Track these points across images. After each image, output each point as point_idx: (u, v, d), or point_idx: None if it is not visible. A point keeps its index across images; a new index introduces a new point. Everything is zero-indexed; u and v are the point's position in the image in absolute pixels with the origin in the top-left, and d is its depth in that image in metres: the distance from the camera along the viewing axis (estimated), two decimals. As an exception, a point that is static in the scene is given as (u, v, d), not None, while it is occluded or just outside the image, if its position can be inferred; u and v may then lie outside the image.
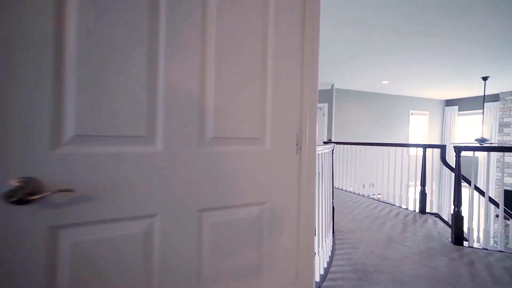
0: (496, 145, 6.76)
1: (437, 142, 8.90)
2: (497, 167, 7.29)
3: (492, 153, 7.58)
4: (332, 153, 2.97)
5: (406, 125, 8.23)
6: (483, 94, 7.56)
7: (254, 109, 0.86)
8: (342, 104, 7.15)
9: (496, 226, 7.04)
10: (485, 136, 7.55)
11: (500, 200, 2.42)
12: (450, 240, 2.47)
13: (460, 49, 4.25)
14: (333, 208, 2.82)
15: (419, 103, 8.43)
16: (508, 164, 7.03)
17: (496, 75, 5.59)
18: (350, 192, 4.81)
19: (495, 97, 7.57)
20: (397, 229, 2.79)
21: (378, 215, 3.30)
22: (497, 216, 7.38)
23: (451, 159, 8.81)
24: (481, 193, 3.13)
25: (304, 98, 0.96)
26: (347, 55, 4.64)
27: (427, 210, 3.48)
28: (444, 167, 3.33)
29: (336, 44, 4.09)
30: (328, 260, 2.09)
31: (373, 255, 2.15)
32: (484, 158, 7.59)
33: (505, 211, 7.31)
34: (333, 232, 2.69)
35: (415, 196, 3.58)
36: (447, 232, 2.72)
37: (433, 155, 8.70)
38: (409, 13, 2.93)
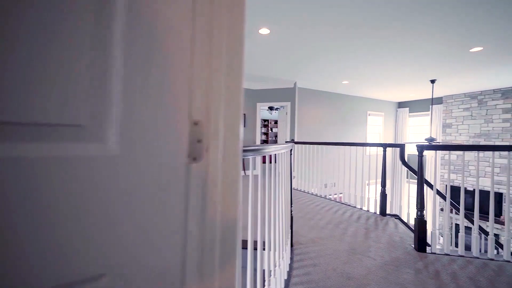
0: (441, 143, 7.19)
1: (391, 141, 9.39)
2: (441, 164, 7.91)
3: (438, 151, 8.21)
4: (291, 154, 2.63)
5: (364, 125, 8.49)
6: (431, 97, 8.20)
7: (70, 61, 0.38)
8: (304, 103, 7.02)
9: (446, 226, 7.69)
10: (433, 136, 8.12)
11: (447, 194, 2.32)
12: (413, 246, 2.29)
13: (410, 53, 4.34)
14: (292, 217, 2.48)
15: (376, 104, 8.77)
16: (451, 162, 7.65)
17: (441, 80, 5.96)
18: (312, 194, 4.59)
19: (439, 100, 8.22)
20: (360, 236, 2.56)
21: (340, 220, 3.07)
22: (442, 209, 8.04)
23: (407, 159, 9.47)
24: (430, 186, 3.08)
25: (215, 60, 0.52)
26: (309, 53, 4.44)
27: (387, 211, 3.37)
28: (403, 167, 3.23)
29: (299, 42, 3.82)
30: (284, 285, 1.71)
31: (335, 274, 1.83)
32: (432, 156, 8.20)
33: (451, 204, 7.98)
34: (291, 245, 2.34)
35: (376, 197, 3.45)
36: (409, 236, 2.57)
37: (393, 154, 9.15)
38: (368, 12, 2.75)
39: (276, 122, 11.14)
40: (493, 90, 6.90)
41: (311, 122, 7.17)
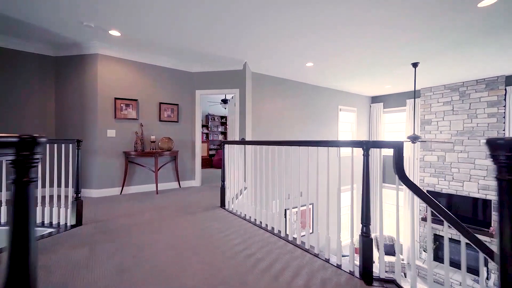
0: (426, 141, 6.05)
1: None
2: (420, 167, 6.93)
3: (416, 152, 7.24)
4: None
5: (335, 122, 7.25)
6: (409, 90, 7.20)
7: None
8: (261, 93, 5.52)
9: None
10: (411, 134, 7.09)
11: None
12: None
13: (390, 30, 3.04)
14: None
15: (348, 98, 7.59)
16: (431, 164, 6.70)
17: (422, 66, 4.85)
18: (265, 229, 3.04)
19: (417, 94, 7.27)
20: None
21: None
22: (423, 219, 7.06)
23: (375, 161, 8.36)
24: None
25: None
26: (261, 24, 2.94)
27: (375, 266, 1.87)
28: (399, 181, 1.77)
29: (244, 9, 2.28)
30: None
31: None
32: (409, 157, 7.21)
33: (433, 214, 6.99)
34: None
35: (352, 240, 1.92)
36: None
37: (372, 156, 7.97)
38: None
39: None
40: (476, 80, 5.98)
41: (271, 118, 5.69)
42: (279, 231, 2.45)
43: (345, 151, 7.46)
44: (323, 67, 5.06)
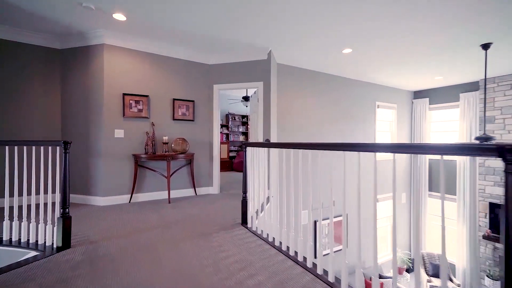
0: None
1: (406, 142, 7.21)
2: (480, 173, 5.75)
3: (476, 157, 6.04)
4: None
5: (371, 121, 6.31)
6: (463, 81, 5.94)
7: None
8: (285, 87, 4.81)
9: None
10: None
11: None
12: None
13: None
14: None
15: (386, 93, 6.60)
16: (494, 170, 5.52)
17: (489, 50, 3.82)
18: (294, 259, 2.32)
19: (473, 86, 6.09)
20: None
21: None
22: (485, 237, 5.79)
23: (424, 167, 7.16)
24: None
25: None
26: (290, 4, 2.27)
27: None
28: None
29: None
30: None
31: None
32: (465, 162, 6.04)
33: (493, 231, 5.77)
34: None
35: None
36: None
37: (410, 160, 6.92)
38: None
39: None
40: (560, 67, 4.74)
41: (298, 117, 4.96)
42: (314, 266, 1.72)
43: (381, 153, 6.47)
44: (363, 54, 4.22)
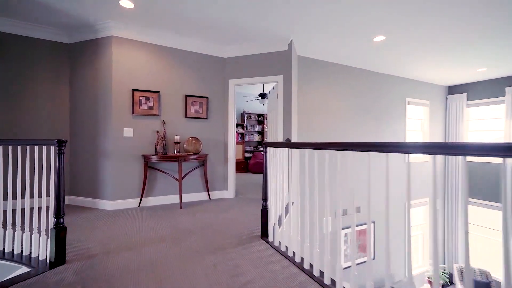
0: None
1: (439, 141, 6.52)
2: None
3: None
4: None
5: (401, 119, 5.72)
6: (510, 74, 5.17)
7: None
8: (307, 82, 4.39)
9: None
10: (510, 135, 5.22)
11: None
12: None
13: None
14: None
15: (418, 88, 5.98)
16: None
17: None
18: (321, 282, 1.91)
19: (521, 79, 5.34)
20: None
21: None
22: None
23: (457, 170, 6.40)
24: None
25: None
26: None
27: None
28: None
29: None
30: None
31: None
32: (513, 165, 5.32)
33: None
34: None
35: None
36: None
37: (445, 163, 6.15)
38: None
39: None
40: None
41: (320, 114, 4.52)
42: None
43: (413, 156, 5.85)
44: (397, 42, 3.71)
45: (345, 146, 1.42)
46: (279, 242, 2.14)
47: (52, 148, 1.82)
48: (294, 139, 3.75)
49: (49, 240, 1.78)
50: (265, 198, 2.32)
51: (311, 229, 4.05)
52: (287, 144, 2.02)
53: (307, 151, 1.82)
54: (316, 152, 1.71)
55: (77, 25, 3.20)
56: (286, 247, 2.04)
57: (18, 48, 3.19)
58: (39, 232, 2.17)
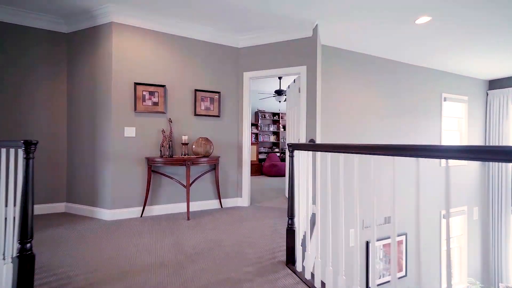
0: None
1: (479, 144, 5.78)
2: None
3: None
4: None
5: (436, 117, 5.05)
6: None
7: None
8: (331, 76, 3.85)
9: None
10: None
11: None
12: None
13: None
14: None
15: (455, 82, 5.28)
16: None
17: None
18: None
19: None
20: None
21: None
22: None
23: (501, 176, 5.46)
24: None
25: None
26: None
27: None
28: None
29: None
30: None
31: None
32: None
33: None
34: None
35: None
36: None
37: (489, 169, 5.39)
38: None
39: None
40: None
41: (345, 112, 3.97)
42: None
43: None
44: (444, 23, 3.11)
45: (397, 149, 0.92)
46: (312, 275, 1.64)
47: (20, 151, 1.41)
48: (318, 140, 3.23)
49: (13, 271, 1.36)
50: (291, 215, 1.83)
51: (338, 248, 3.51)
52: (326, 146, 1.52)
53: (329, 154, 1.32)
54: (341, 156, 1.21)
55: (75, 11, 2.84)
56: (323, 284, 1.53)
57: (11, 38, 2.87)
58: (5, 257, 1.75)
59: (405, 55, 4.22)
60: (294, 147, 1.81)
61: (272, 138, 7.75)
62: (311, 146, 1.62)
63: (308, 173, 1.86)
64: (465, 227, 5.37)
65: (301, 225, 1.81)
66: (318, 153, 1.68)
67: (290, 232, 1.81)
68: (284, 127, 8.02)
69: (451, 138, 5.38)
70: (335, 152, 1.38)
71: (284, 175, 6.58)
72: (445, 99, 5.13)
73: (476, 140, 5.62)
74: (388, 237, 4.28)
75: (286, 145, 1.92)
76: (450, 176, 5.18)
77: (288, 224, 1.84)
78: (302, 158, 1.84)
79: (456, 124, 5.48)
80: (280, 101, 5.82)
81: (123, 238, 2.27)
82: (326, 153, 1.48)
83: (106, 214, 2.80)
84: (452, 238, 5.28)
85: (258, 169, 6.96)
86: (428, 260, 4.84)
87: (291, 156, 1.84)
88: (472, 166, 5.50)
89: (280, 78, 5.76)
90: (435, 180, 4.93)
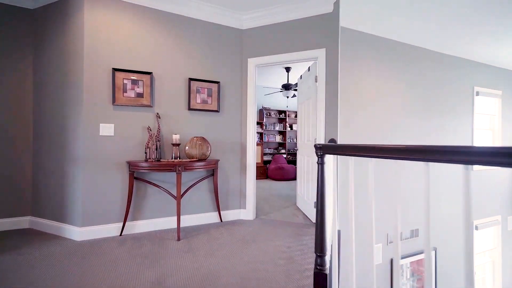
0: None
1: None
2: None
3: None
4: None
5: (467, 113, 4.42)
6: None
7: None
8: (352, 63, 3.25)
9: None
10: None
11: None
12: None
13: None
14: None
15: (488, 74, 4.64)
16: None
17: None
18: None
19: None
20: None
21: None
22: None
23: None
24: None
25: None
26: None
27: None
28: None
29: None
30: None
31: None
32: None
33: None
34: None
35: None
36: None
37: None
38: None
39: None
40: None
41: (359, 107, 3.37)
42: None
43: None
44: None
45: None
46: None
47: None
48: (338, 140, 2.63)
49: None
50: (321, 251, 1.24)
51: (365, 269, 2.90)
52: (373, 150, 0.92)
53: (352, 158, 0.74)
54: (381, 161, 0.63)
55: (38, -21, 2.28)
56: None
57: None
58: None
59: (430, 40, 3.59)
60: (324, 150, 1.22)
61: (278, 138, 7.16)
62: (355, 148, 1.03)
63: (334, 186, 1.27)
64: (499, 238, 4.73)
65: (335, 268, 1.22)
66: (352, 159, 1.10)
67: (320, 277, 1.22)
68: (291, 126, 7.40)
69: (482, 137, 4.74)
70: (394, 158, 0.80)
71: (291, 179, 5.99)
72: (477, 94, 4.49)
73: (510, 140, 4.98)
74: (415, 254, 3.67)
75: (314, 146, 1.32)
76: (478, 182, 4.55)
77: (317, 264, 1.25)
78: (328, 166, 1.26)
79: (488, 122, 4.84)
80: (288, 97, 5.22)
81: (91, 270, 1.70)
82: (357, 157, 0.89)
83: (76, 232, 2.23)
84: (483, 252, 4.65)
85: (263, 172, 6.37)
86: (458, 276, 4.21)
87: (321, 164, 1.24)
88: (505, 170, 4.86)
89: (288, 70, 5.16)
90: (458, 186, 4.30)
